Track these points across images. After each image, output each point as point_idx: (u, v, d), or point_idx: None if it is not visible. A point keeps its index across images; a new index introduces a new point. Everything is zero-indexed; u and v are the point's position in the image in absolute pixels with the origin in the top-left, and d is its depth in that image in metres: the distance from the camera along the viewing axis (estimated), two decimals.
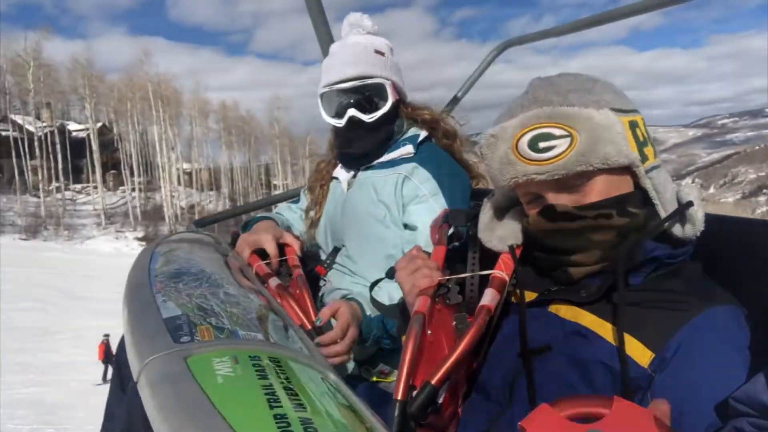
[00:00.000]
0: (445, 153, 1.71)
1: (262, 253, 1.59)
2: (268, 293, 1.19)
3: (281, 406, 0.61)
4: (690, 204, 0.94)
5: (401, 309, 1.20)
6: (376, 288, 1.35)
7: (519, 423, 0.65)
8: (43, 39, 46.08)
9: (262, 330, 0.89)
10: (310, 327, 1.35)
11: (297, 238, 1.75)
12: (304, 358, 0.81)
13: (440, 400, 0.96)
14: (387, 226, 1.62)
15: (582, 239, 0.94)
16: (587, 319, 0.95)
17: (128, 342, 0.85)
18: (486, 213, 1.13)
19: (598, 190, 0.93)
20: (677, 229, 0.95)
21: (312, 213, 1.86)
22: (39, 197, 43.00)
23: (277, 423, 0.58)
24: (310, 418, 0.59)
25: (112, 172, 49.62)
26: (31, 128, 42.65)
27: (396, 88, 1.65)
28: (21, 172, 42.44)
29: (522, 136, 0.93)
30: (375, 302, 1.34)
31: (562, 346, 0.96)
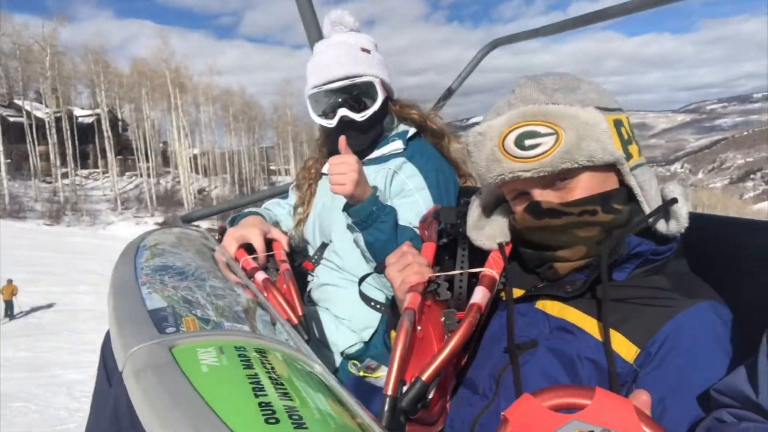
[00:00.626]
0: (433, 149, 1.71)
1: (249, 248, 1.58)
2: (254, 287, 1.19)
3: (266, 395, 0.61)
4: (674, 201, 0.95)
5: (391, 304, 1.21)
6: (363, 283, 1.35)
7: (502, 413, 0.66)
8: (60, 26, 45.93)
9: (248, 322, 0.89)
10: (296, 322, 1.35)
11: (284, 233, 1.75)
12: (290, 349, 0.81)
13: (430, 396, 0.97)
14: None
15: (567, 235, 0.95)
16: (573, 314, 0.96)
17: (113, 333, 0.84)
18: (474, 211, 1.14)
19: (583, 187, 0.94)
20: (662, 226, 0.97)
21: (300, 210, 1.86)
22: (50, 182, 42.50)
23: (262, 411, 0.57)
24: (296, 407, 0.59)
25: (118, 158, 49.16)
26: (40, 114, 42.23)
27: (384, 85, 1.65)
28: (26, 157, 41.90)
29: (508, 133, 0.94)
30: (363, 296, 1.34)
31: (548, 341, 0.97)
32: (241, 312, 0.93)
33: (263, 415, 0.57)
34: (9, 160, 39.14)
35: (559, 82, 1.00)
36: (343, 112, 1.60)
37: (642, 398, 0.69)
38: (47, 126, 41.69)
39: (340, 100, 1.62)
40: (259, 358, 0.70)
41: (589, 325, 0.94)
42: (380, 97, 1.61)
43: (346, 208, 1.49)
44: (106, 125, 45.18)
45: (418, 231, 1.29)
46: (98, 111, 46.16)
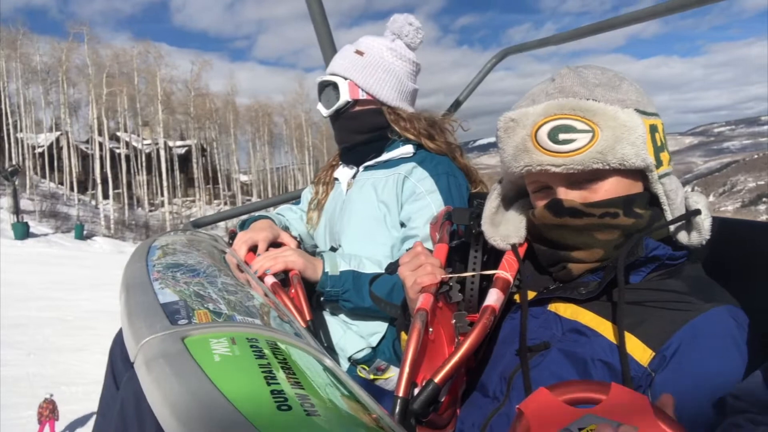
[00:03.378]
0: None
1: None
2: (264, 286, 1.19)
3: (278, 384, 0.60)
4: (698, 212, 0.94)
5: (402, 305, 1.20)
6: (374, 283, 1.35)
7: (517, 406, 0.65)
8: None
9: (259, 317, 0.88)
10: (304, 325, 1.34)
11: (294, 237, 1.75)
12: (301, 343, 0.80)
13: (442, 399, 0.96)
14: (385, 226, 1.63)
15: (586, 236, 0.94)
16: (587, 317, 0.95)
17: (125, 327, 0.85)
18: (491, 202, 1.11)
19: (608, 189, 0.93)
20: (683, 236, 0.95)
21: (312, 213, 1.87)
22: (152, 211, 43.42)
23: (274, 398, 0.57)
24: (307, 395, 0.59)
25: (207, 186, 50.17)
26: (138, 145, 43.67)
27: (362, 88, 1.67)
28: (129, 186, 42.94)
29: (543, 124, 0.91)
30: (374, 297, 1.34)
31: (560, 343, 0.95)
32: (253, 307, 0.93)
33: (275, 402, 0.57)
34: (119, 190, 40.11)
35: (600, 77, 0.97)
36: (319, 105, 1.75)
37: (668, 401, 0.68)
38: (144, 157, 42.88)
39: (320, 94, 1.74)
40: (270, 349, 0.70)
41: (603, 327, 0.92)
42: (343, 98, 1.67)
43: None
44: (197, 156, 46.39)
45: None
46: (189, 142, 47.12)
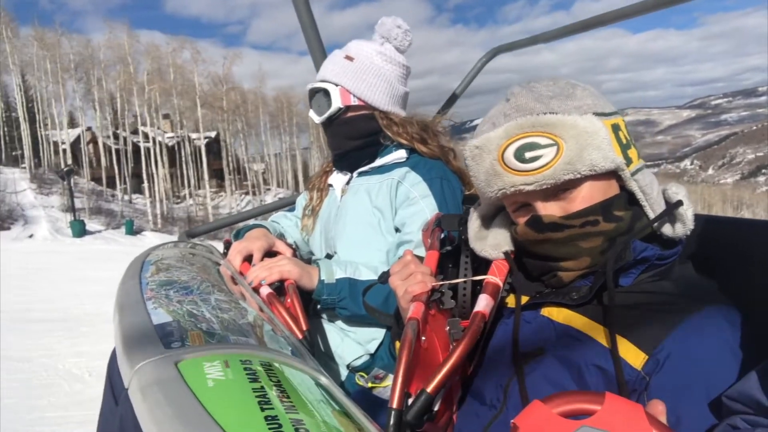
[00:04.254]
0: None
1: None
2: (259, 300, 1.19)
3: (272, 408, 0.60)
4: (680, 203, 0.94)
5: (395, 314, 1.20)
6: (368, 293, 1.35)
7: (512, 421, 0.65)
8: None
9: (253, 335, 0.88)
10: (300, 336, 1.34)
11: (290, 245, 1.75)
12: (295, 362, 0.80)
13: (436, 408, 0.96)
14: (380, 232, 1.63)
15: (570, 247, 0.94)
16: (579, 321, 0.95)
17: (119, 350, 0.84)
18: (474, 223, 1.13)
19: (585, 196, 0.93)
20: (667, 229, 0.96)
21: (307, 219, 1.87)
22: (177, 203, 43.76)
23: (268, 424, 0.57)
24: (302, 419, 0.59)
25: (229, 177, 50.35)
26: (161, 138, 44.00)
27: (353, 94, 1.67)
28: (150, 179, 43.27)
29: (507, 146, 0.92)
30: (367, 307, 1.34)
31: (554, 349, 0.96)
32: (246, 325, 0.93)
33: (270, 428, 0.57)
34: (145, 184, 40.38)
35: (553, 88, 0.98)
36: (311, 111, 1.75)
37: (658, 408, 0.68)
38: (166, 150, 43.24)
39: (312, 100, 1.74)
40: (264, 370, 0.70)
41: (596, 331, 0.93)
42: (335, 104, 1.66)
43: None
44: (229, 147, 47.08)
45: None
46: (210, 134, 47.31)
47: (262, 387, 0.65)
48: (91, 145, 39.43)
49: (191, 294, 1.03)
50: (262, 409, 0.60)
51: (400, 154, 1.67)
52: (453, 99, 2.34)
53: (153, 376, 0.69)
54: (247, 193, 51.14)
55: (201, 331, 0.83)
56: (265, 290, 1.43)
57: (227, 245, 1.76)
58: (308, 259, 1.87)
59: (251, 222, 1.97)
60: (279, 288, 1.49)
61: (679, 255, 0.97)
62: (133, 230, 24.34)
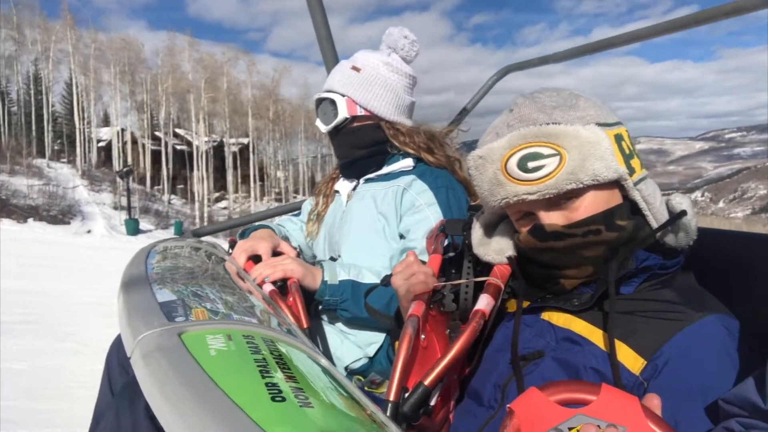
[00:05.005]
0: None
1: (258, 260, 1.60)
2: (263, 292, 1.20)
3: (272, 377, 0.61)
4: (683, 213, 0.95)
5: (396, 315, 1.21)
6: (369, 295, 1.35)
7: (507, 405, 0.66)
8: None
9: (256, 317, 0.89)
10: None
11: (294, 248, 1.76)
12: (296, 342, 0.81)
13: (432, 403, 0.96)
14: (384, 238, 1.64)
15: (573, 256, 0.95)
16: (579, 325, 0.96)
17: (122, 324, 0.85)
18: (477, 230, 1.14)
19: (587, 205, 0.94)
20: (670, 239, 0.97)
21: (312, 224, 1.88)
22: (210, 206, 44.15)
23: (268, 390, 0.58)
24: (302, 388, 0.60)
25: (259, 183, 50.89)
26: (197, 142, 44.70)
27: (360, 104, 1.69)
28: (185, 181, 43.96)
29: (510, 156, 0.93)
30: (369, 308, 1.34)
31: (554, 352, 0.96)
32: (250, 308, 0.94)
33: (270, 393, 0.57)
34: (182, 186, 41.10)
35: (556, 98, 0.99)
36: (317, 120, 1.77)
37: (653, 402, 0.68)
38: (203, 154, 43.85)
39: (318, 110, 1.76)
40: (266, 345, 0.71)
41: (596, 336, 0.93)
42: (341, 115, 1.68)
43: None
44: (259, 153, 47.58)
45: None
46: (240, 140, 47.90)
47: (264, 359, 0.66)
48: (130, 146, 39.96)
49: (196, 278, 1.04)
50: (263, 377, 0.61)
51: (407, 163, 1.69)
52: (463, 114, 2.37)
53: (156, 344, 0.70)
54: (278, 199, 51.60)
55: (205, 308, 0.84)
56: (268, 287, 1.44)
57: (232, 244, 1.77)
58: (312, 263, 1.88)
59: (257, 224, 1.98)
60: (282, 287, 1.50)
61: (681, 265, 0.97)
62: (182, 231, 24.58)
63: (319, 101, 1.74)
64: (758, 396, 0.74)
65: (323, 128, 1.74)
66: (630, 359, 0.88)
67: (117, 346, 1.54)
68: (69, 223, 21.21)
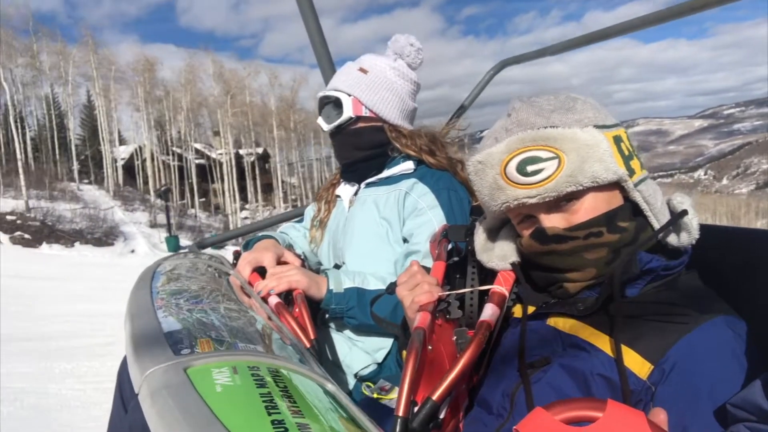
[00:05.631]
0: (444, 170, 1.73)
1: (263, 272, 1.60)
2: (268, 309, 1.20)
3: (279, 413, 0.62)
4: (684, 213, 0.95)
5: (402, 324, 1.21)
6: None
7: (514, 427, 0.66)
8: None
9: (261, 343, 0.90)
10: (308, 345, 1.35)
11: (298, 256, 1.76)
12: (302, 368, 0.81)
13: (442, 416, 0.96)
14: (388, 243, 1.64)
15: (575, 258, 0.95)
16: (585, 331, 0.95)
17: (129, 356, 0.86)
18: (480, 236, 1.14)
19: (588, 207, 0.94)
20: (673, 239, 0.96)
21: (315, 231, 1.88)
22: (227, 215, 44.77)
23: (274, 428, 0.58)
24: (308, 424, 0.60)
25: (283, 192, 51.28)
26: (214, 155, 45.84)
27: (365, 105, 1.69)
28: (206, 193, 44.81)
29: (509, 160, 0.93)
30: (375, 317, 1.35)
31: (560, 358, 0.96)
32: (255, 333, 0.94)
33: (276, 431, 0.58)
34: (204, 199, 41.74)
35: (554, 102, 0.99)
36: (319, 119, 1.77)
37: (660, 417, 0.68)
38: (218, 166, 44.85)
39: (321, 109, 1.76)
40: (272, 377, 0.71)
41: (602, 341, 0.93)
42: (346, 113, 1.68)
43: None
44: (281, 164, 48.29)
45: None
46: (256, 150, 48.44)
47: (269, 392, 0.67)
48: (149, 163, 40.76)
49: (201, 303, 1.05)
50: (269, 413, 0.61)
51: (408, 166, 1.69)
52: (461, 111, 2.36)
53: (162, 381, 0.71)
54: (295, 206, 52.00)
55: (210, 338, 0.85)
56: (274, 300, 1.44)
57: (237, 256, 1.78)
58: (316, 270, 1.89)
59: (260, 233, 1.99)
60: (288, 297, 1.51)
61: (684, 265, 0.97)
62: (177, 247, 24.92)
63: (324, 101, 1.74)
64: (766, 400, 0.74)
65: (326, 127, 1.74)
66: (637, 364, 0.88)
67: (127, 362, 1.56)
68: (113, 244, 21.88)
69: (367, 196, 1.72)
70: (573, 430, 0.64)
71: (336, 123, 1.70)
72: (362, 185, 1.76)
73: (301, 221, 2.06)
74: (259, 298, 1.38)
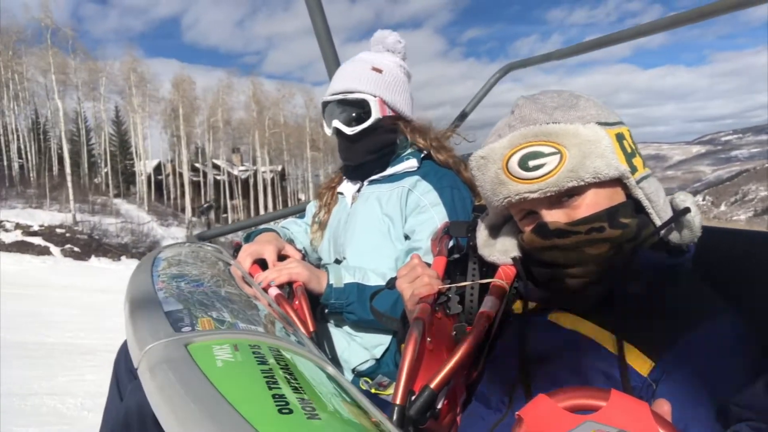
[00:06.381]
0: (447, 168, 1.73)
1: (263, 264, 1.60)
2: (269, 297, 1.20)
3: (280, 388, 0.61)
4: (687, 210, 0.95)
5: (402, 317, 1.21)
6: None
7: (516, 413, 0.65)
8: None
9: (262, 325, 0.89)
10: (308, 337, 1.35)
11: (299, 250, 1.76)
12: (303, 350, 0.81)
13: (439, 406, 0.96)
14: (389, 239, 1.64)
15: (577, 253, 0.95)
16: (586, 327, 0.95)
17: (129, 334, 0.85)
18: (482, 231, 1.14)
19: (590, 203, 0.94)
20: (675, 236, 0.96)
21: (316, 226, 1.88)
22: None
23: (275, 402, 0.58)
24: (309, 399, 0.60)
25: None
26: (234, 172, 46.74)
27: (388, 105, 1.67)
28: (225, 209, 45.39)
29: (512, 155, 0.94)
30: (374, 311, 1.34)
31: (561, 354, 0.96)
32: (256, 316, 0.94)
33: (277, 405, 0.57)
34: (226, 214, 42.71)
35: (557, 99, 1.00)
36: (336, 123, 1.66)
37: (664, 408, 0.68)
38: (239, 182, 45.95)
39: (338, 111, 1.68)
40: (273, 355, 0.71)
41: (603, 337, 0.93)
42: (374, 115, 1.63)
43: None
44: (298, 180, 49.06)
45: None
46: (276, 168, 48.95)
47: (270, 369, 0.66)
48: (172, 178, 41.61)
49: (202, 286, 1.04)
50: (270, 388, 0.61)
51: (412, 163, 1.69)
52: (463, 116, 2.37)
53: (163, 356, 0.70)
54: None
55: (211, 318, 0.84)
56: (274, 291, 1.44)
57: (237, 248, 1.77)
58: (317, 265, 1.88)
59: (261, 227, 1.98)
60: (288, 291, 1.50)
61: (686, 263, 0.97)
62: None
63: (344, 102, 1.66)
64: None
65: (347, 130, 1.65)
66: (638, 361, 0.88)
67: (124, 352, 1.55)
68: None
69: (371, 193, 1.72)
70: (575, 418, 0.63)
71: (364, 125, 1.64)
72: (365, 182, 1.76)
73: (302, 217, 2.06)
74: (260, 288, 1.37)
